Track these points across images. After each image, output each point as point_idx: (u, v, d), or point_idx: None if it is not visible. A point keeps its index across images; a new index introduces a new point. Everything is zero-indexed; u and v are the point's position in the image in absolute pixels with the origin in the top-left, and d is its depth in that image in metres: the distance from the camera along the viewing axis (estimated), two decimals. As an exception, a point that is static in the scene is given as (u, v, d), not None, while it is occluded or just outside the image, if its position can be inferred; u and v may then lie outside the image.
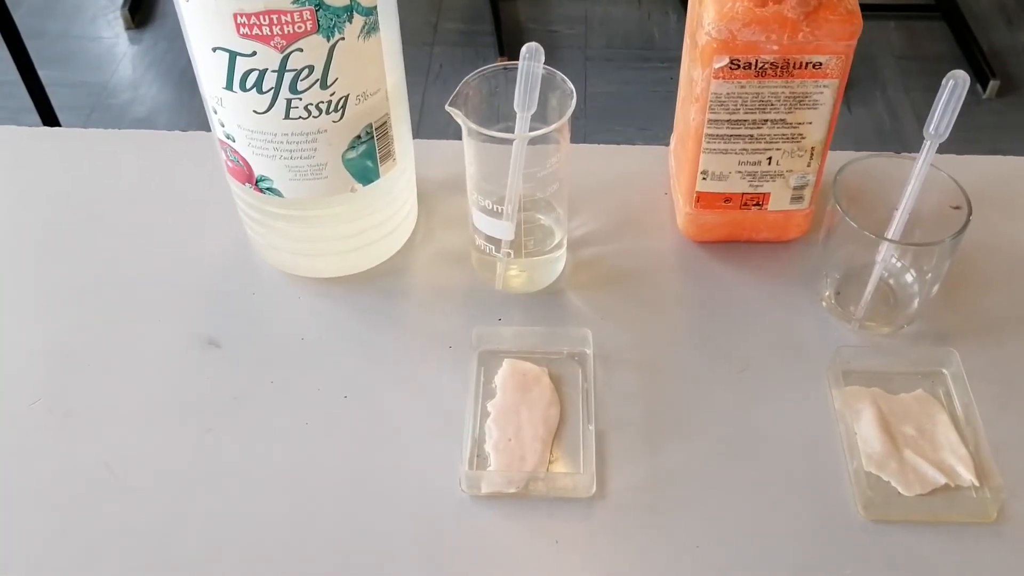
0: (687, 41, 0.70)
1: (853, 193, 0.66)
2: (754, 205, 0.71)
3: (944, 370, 0.65)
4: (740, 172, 0.69)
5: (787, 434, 0.62)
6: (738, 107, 0.65)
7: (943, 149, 0.62)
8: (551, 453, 0.61)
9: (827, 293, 0.70)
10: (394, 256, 0.73)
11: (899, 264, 0.69)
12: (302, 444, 0.62)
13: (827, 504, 0.58)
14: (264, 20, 0.56)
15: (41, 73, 1.79)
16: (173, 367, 0.67)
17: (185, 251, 0.74)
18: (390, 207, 0.71)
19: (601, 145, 0.83)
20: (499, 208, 0.65)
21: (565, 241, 0.71)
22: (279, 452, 0.62)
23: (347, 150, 0.65)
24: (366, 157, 0.66)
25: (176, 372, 0.66)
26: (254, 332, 0.69)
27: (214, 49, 0.58)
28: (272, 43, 0.58)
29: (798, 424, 0.63)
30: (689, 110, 0.68)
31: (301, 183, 0.66)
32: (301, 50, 0.58)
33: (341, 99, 0.62)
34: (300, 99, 0.61)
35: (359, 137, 0.64)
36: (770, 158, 0.68)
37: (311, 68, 0.59)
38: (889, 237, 0.63)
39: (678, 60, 0.72)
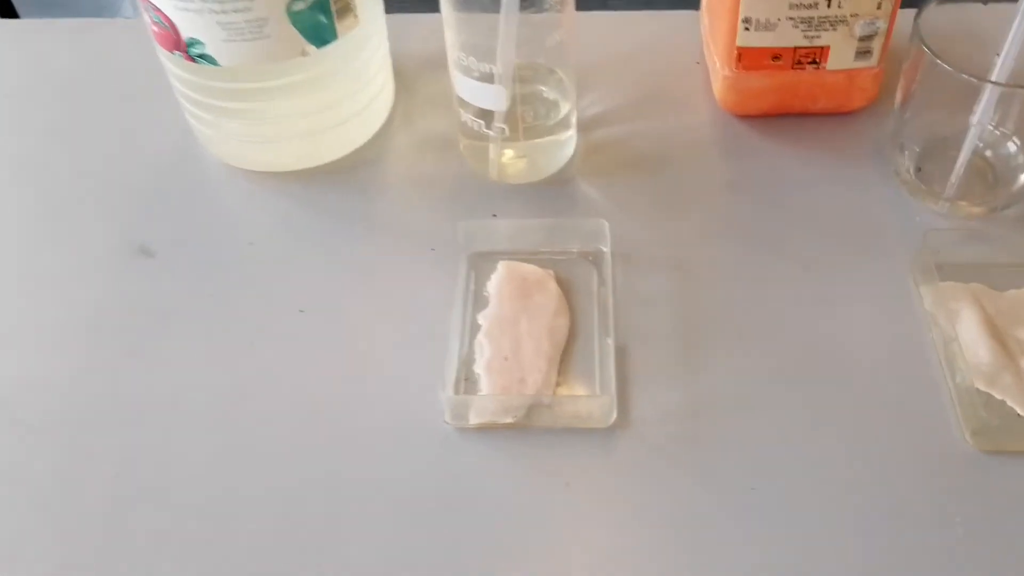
0: None
1: (937, 44, 0.51)
2: (809, 63, 0.56)
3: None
4: (792, 19, 0.54)
5: (864, 345, 0.48)
6: (792, -73, 0.50)
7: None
8: (558, 374, 0.48)
9: (906, 168, 0.55)
10: (365, 145, 0.60)
11: (998, 132, 0.54)
12: (248, 370, 0.49)
13: (921, 432, 0.45)
14: None
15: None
16: (94, 280, 0.54)
17: (119, 146, 0.62)
18: (356, 80, 0.58)
19: (617, 13, 0.68)
20: (490, 69, 0.51)
21: (574, 118, 0.57)
22: (219, 381, 0.49)
23: (293, 1, 0.51)
24: (318, 10, 0.52)
25: (98, 286, 0.54)
26: (194, 237, 0.56)
27: None
28: None
29: (877, 332, 0.49)
30: (728, -62, 0.53)
31: (238, 45, 0.52)
32: None
33: (277, -74, 0.48)
34: (223, -75, 0.47)
35: (307, -18, 0.51)
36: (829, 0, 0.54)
37: None
38: (996, 80, 0.49)
39: None
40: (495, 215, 0.55)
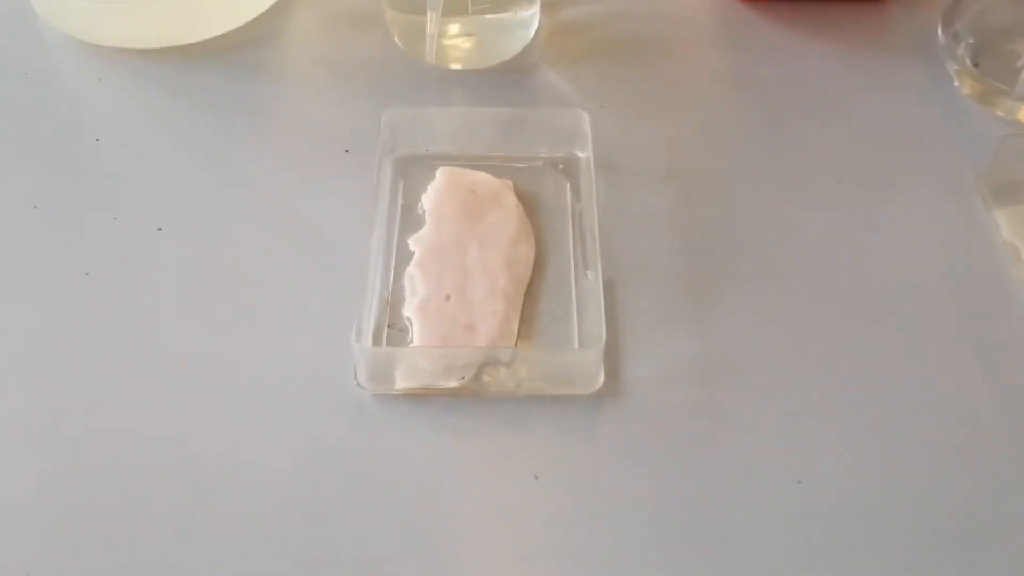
0: None
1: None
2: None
3: None
4: None
5: (922, 284, 0.36)
6: None
7: None
8: (520, 320, 0.34)
9: (962, 62, 0.43)
10: (257, 19, 0.45)
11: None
12: (84, 308, 0.35)
13: (1004, 396, 0.33)
14: None
15: None
16: None
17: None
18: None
19: None
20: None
21: (537, -10, 0.43)
22: (44, 321, 0.34)
23: None
24: None
25: None
26: (26, 132, 0.41)
27: None
28: None
29: (938, 268, 0.37)
30: None
31: None
32: None
33: None
34: None
35: None
36: None
37: None
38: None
39: None
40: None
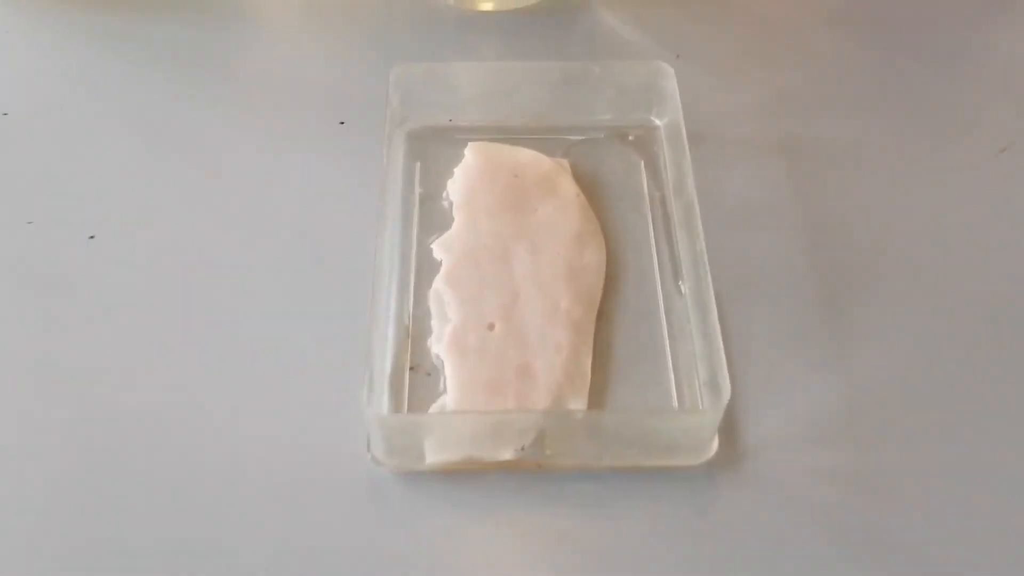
0: None
1: None
2: None
3: None
4: None
5: None
6: None
7: None
8: (592, 356, 0.25)
9: None
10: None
11: None
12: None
13: None
14: None
15: None
16: None
17: None
18: None
19: None
20: None
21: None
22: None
23: None
24: None
25: None
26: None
27: None
28: None
29: None
30: None
31: None
32: None
33: None
34: None
35: None
36: None
37: None
38: None
39: None
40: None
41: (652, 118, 0.29)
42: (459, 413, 0.23)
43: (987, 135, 0.30)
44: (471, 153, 0.28)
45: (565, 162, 0.28)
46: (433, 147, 0.29)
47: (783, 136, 0.30)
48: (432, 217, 0.27)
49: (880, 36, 0.33)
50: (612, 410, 0.23)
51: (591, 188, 0.28)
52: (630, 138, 0.29)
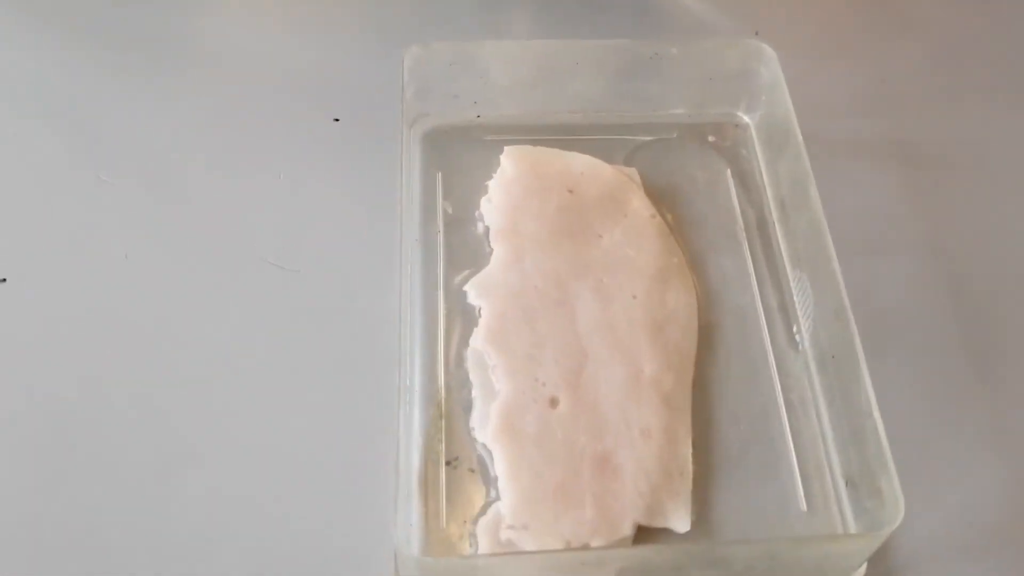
0: None
1: None
2: None
3: None
4: None
5: None
6: None
7: None
8: (690, 438, 0.18)
9: None
10: None
11: None
12: None
13: None
14: None
15: None
16: None
17: None
18: None
19: None
20: None
21: None
22: None
23: None
24: None
25: None
26: None
27: None
28: None
29: None
30: None
31: None
32: None
33: None
34: None
35: None
36: None
37: None
38: None
39: None
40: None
41: (739, 113, 0.23)
42: (522, 555, 0.16)
43: None
44: (509, 160, 0.22)
45: (633, 171, 0.22)
46: (459, 152, 0.22)
47: (893, 133, 0.24)
48: (463, 245, 0.21)
49: (1001, 7, 0.27)
50: (740, 542, 0.17)
51: (666, 206, 0.22)
52: (710, 138, 0.23)
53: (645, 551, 0.16)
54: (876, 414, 0.17)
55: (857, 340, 0.18)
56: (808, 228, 0.20)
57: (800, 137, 0.20)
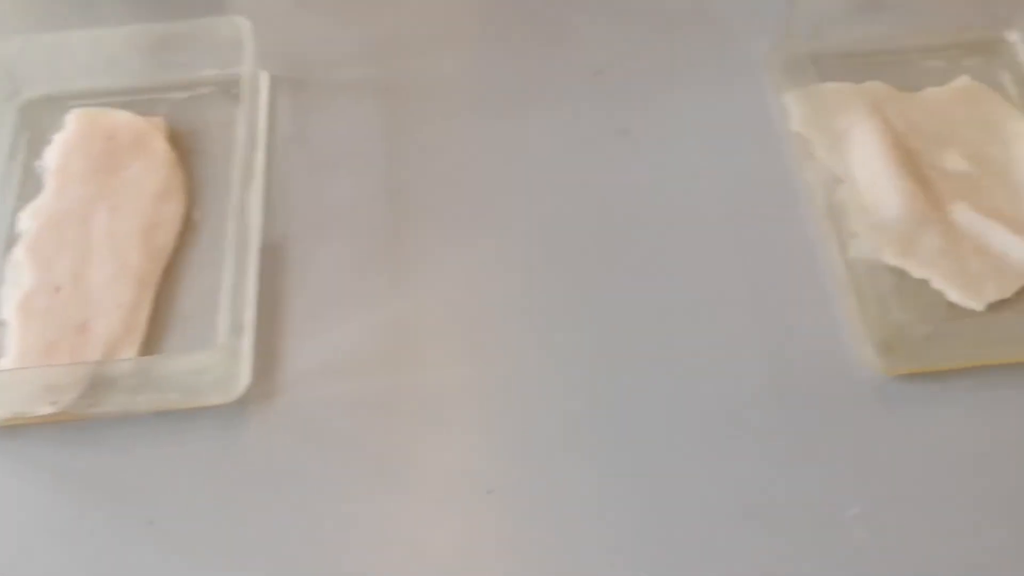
0: None
1: None
2: None
3: (1010, 36, 0.31)
4: None
5: (697, 200, 0.28)
6: None
7: None
8: (152, 307, 0.26)
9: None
10: None
11: None
12: None
13: (796, 352, 0.25)
14: None
15: None
16: None
17: None
18: None
19: None
20: None
21: None
22: None
23: None
24: None
25: None
26: None
27: None
28: None
29: (713, 174, 0.29)
30: None
31: None
32: None
33: None
34: None
35: None
36: None
37: None
38: None
39: None
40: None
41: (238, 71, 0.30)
42: (11, 359, 0.25)
43: (586, 59, 0.31)
44: (71, 120, 0.30)
45: (159, 120, 0.30)
46: (44, 117, 0.30)
47: (384, 76, 0.31)
48: (28, 185, 0.29)
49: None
50: (147, 360, 0.25)
51: (189, 145, 0.29)
52: (232, 91, 0.30)
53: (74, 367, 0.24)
54: (248, 278, 0.25)
55: (256, 236, 0.26)
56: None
57: (264, 87, 0.28)
